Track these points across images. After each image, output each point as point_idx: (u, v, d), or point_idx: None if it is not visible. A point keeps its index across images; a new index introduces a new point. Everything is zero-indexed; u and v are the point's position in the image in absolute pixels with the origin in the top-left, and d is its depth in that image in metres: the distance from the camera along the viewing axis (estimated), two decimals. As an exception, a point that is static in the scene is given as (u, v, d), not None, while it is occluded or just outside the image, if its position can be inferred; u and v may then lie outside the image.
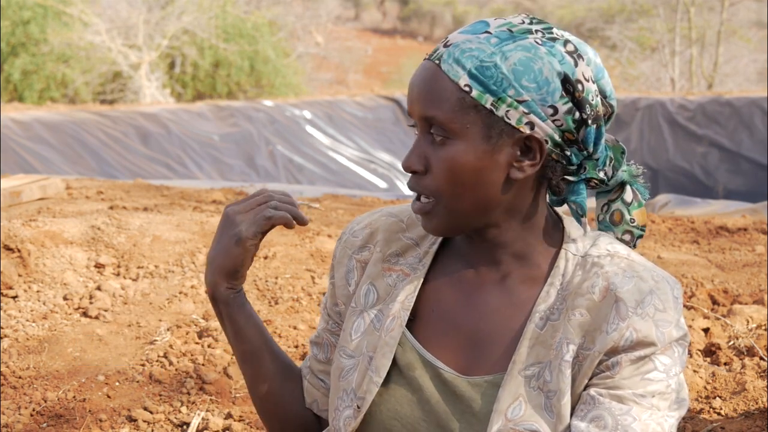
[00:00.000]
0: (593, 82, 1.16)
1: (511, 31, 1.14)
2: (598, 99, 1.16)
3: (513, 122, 1.12)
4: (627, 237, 1.25)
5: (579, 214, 1.22)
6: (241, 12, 18.29)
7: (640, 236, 1.26)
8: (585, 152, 1.18)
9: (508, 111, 1.12)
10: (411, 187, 1.19)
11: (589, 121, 1.16)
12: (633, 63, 21.46)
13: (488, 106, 1.12)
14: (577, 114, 1.15)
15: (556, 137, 1.15)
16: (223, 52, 17.50)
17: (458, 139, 1.13)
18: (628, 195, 1.25)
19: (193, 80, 17.86)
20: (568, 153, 1.17)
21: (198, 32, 16.91)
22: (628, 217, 1.25)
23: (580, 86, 1.13)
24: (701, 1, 19.58)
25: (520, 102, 1.12)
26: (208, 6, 17.11)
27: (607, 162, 1.22)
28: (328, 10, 26.78)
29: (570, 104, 1.14)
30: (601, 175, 1.21)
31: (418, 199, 1.20)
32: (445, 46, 1.15)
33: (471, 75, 1.11)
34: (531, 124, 1.13)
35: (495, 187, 1.16)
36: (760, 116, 12.00)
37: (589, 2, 27.37)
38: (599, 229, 1.27)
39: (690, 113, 12.44)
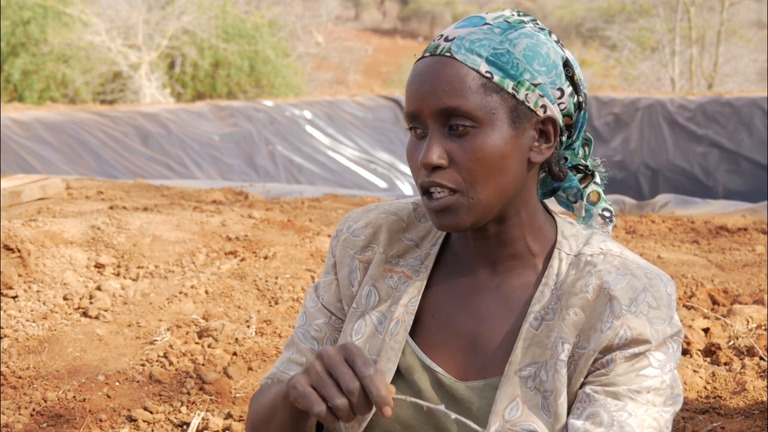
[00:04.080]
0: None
1: (507, 21, 1.16)
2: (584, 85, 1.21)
3: (531, 105, 1.14)
4: (607, 213, 1.28)
5: (572, 201, 1.26)
6: (241, 12, 18.29)
7: (612, 212, 1.29)
8: (570, 138, 1.22)
9: (527, 94, 1.13)
10: (429, 183, 1.14)
11: (583, 105, 1.20)
12: (633, 63, 21.45)
13: (510, 90, 1.12)
14: (576, 97, 1.18)
15: (560, 121, 1.17)
16: (223, 52, 17.50)
17: (484, 126, 1.12)
18: (597, 179, 1.28)
19: (193, 80, 17.86)
20: (563, 138, 1.19)
21: (198, 32, 16.91)
22: (604, 196, 1.28)
23: (576, 70, 1.17)
24: (701, 1, 19.58)
25: (535, 85, 1.13)
26: (208, 6, 17.11)
27: (580, 150, 1.26)
28: (328, 10, 26.78)
29: (571, 87, 1.17)
30: (582, 161, 1.25)
31: (426, 195, 1.15)
32: (447, 40, 1.14)
33: (489, 61, 1.12)
34: (544, 107, 1.15)
35: (518, 174, 1.15)
36: (760, 116, 11.99)
37: (589, 2, 27.37)
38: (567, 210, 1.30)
39: (690, 113, 12.43)
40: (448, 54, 1.13)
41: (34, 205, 5.13)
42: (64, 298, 3.48)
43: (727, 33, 20.36)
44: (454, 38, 1.14)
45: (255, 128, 12.41)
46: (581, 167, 1.26)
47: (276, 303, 3.53)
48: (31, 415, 2.60)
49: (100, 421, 2.57)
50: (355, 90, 20.87)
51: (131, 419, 2.58)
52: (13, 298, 3.43)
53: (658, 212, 5.80)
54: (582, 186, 1.27)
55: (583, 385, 1.15)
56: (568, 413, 1.15)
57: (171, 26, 16.63)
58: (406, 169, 13.20)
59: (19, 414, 2.58)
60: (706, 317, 3.29)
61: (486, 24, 1.15)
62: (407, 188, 12.83)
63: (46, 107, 12.41)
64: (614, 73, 22.41)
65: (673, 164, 12.41)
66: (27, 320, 3.26)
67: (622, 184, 12.12)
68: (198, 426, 2.55)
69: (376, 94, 15.03)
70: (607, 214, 1.28)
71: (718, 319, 3.25)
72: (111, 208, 4.94)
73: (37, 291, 3.51)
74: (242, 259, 3.98)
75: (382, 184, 12.66)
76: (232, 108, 12.69)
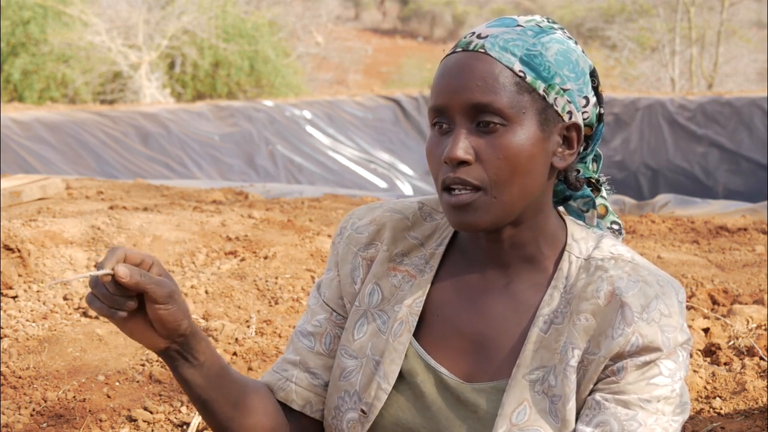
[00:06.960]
0: None
1: (539, 26, 1.16)
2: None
3: (559, 109, 1.13)
4: (615, 226, 1.29)
5: (584, 210, 1.26)
6: (241, 12, 18.30)
7: (621, 225, 1.30)
8: (585, 150, 1.22)
9: (556, 98, 1.13)
10: (452, 180, 1.12)
11: (603, 118, 1.20)
12: (633, 63, 21.47)
13: (541, 92, 1.12)
14: (598, 108, 1.19)
15: (583, 130, 1.17)
16: (223, 52, 17.51)
17: (513, 125, 1.11)
18: (603, 192, 1.28)
19: (193, 80, 17.87)
20: (581, 148, 1.19)
21: (198, 32, 16.92)
22: (611, 209, 1.29)
23: (599, 81, 1.18)
24: (701, 1, 19.58)
25: (564, 90, 1.13)
26: (208, 6, 17.12)
27: (591, 163, 1.26)
28: (328, 10, 26.79)
29: (595, 98, 1.18)
30: (594, 174, 1.25)
31: (447, 191, 1.13)
32: (479, 37, 1.14)
33: (522, 61, 1.11)
34: (570, 114, 1.15)
35: (541, 177, 1.15)
36: (760, 116, 11.99)
37: (589, 2, 27.36)
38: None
39: (690, 113, 12.43)
40: (482, 50, 1.12)
41: (34, 205, 5.13)
42: (64, 298, 3.48)
43: (727, 33, 20.37)
44: (487, 36, 1.13)
45: (255, 128, 12.41)
46: (592, 181, 1.25)
47: (276, 303, 3.53)
48: (31, 415, 2.60)
49: (100, 421, 2.57)
50: (355, 90, 20.87)
51: (131, 419, 2.58)
52: (13, 298, 3.44)
53: (658, 212, 5.80)
54: (593, 196, 1.27)
55: (592, 391, 1.14)
56: (576, 419, 1.14)
57: (171, 26, 16.63)
58: (406, 169, 13.20)
59: (19, 414, 2.58)
60: (706, 317, 3.29)
61: (519, 26, 1.15)
62: (407, 188, 12.83)
63: (46, 107, 12.41)
64: (614, 73, 22.42)
65: (673, 164, 12.41)
66: (27, 320, 3.26)
67: (622, 184, 12.13)
68: (198, 426, 2.55)
69: (376, 94, 15.02)
70: (615, 227, 1.28)
71: (718, 319, 3.25)
72: (111, 208, 4.94)
73: (37, 291, 3.51)
74: (242, 259, 3.98)
75: (382, 184, 12.66)
76: (232, 108, 12.69)
